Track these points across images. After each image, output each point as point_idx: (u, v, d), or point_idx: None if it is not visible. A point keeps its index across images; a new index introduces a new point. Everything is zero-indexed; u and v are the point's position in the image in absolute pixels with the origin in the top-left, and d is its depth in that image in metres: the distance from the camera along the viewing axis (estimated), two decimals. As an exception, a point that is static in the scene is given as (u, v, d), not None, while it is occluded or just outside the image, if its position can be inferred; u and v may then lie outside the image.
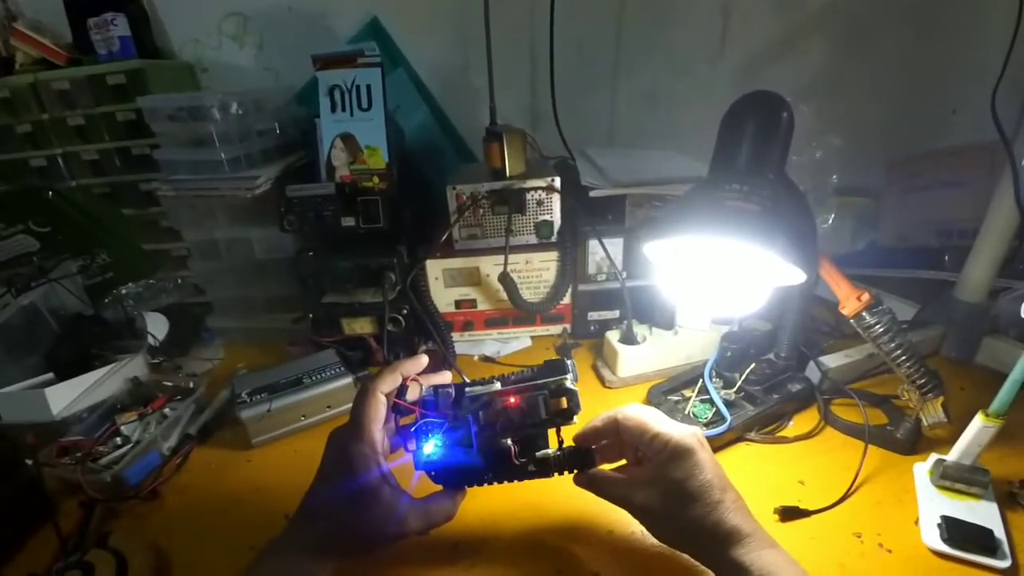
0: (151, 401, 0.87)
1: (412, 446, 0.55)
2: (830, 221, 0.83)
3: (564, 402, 0.53)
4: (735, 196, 0.53)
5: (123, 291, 1.07)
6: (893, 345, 0.66)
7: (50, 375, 0.88)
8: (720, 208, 0.53)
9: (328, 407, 0.84)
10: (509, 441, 0.53)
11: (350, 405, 0.82)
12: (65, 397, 0.83)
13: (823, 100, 1.22)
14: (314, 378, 0.84)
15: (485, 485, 0.55)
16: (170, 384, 0.90)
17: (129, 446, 0.79)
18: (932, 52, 1.22)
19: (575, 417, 0.53)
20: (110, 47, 1.06)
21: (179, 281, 1.12)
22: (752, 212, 0.52)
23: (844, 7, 1.19)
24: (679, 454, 0.49)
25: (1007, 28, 0.83)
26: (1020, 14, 0.81)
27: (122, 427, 0.81)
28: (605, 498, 0.54)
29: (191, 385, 0.89)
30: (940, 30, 1.20)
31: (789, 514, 0.62)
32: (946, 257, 1.08)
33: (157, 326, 1.02)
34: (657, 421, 0.52)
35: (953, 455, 0.63)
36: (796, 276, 0.55)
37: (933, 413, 0.67)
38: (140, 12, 1.12)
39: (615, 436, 0.55)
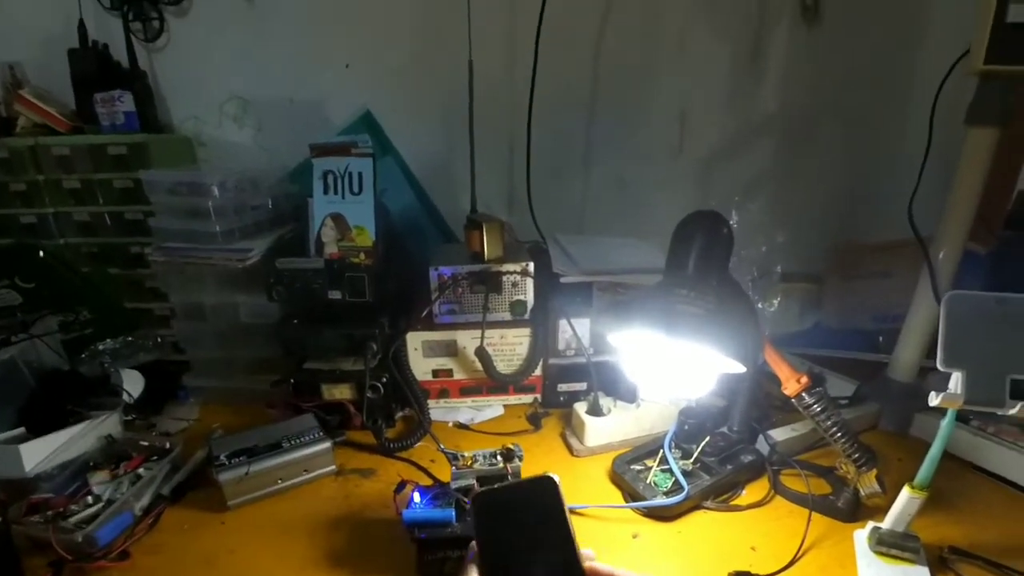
0: (124, 459, 0.88)
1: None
2: (776, 304, 0.92)
3: None
4: (683, 300, 0.64)
5: (100, 347, 1.07)
6: (830, 423, 0.75)
7: (21, 430, 0.88)
8: (671, 311, 0.64)
9: (305, 471, 0.86)
10: None
11: (327, 468, 0.86)
12: (39, 453, 0.83)
13: (771, 196, 1.38)
14: (293, 442, 0.87)
15: None
16: (145, 444, 0.90)
17: (100, 505, 0.79)
18: (865, 154, 1.38)
19: None
20: (114, 120, 1.12)
21: (158, 339, 1.13)
22: (697, 315, 0.62)
23: (786, 114, 1.35)
24: None
25: (922, 142, 0.95)
26: (930, 136, 0.95)
27: (94, 486, 0.82)
28: None
29: (167, 446, 0.89)
30: (871, 136, 1.36)
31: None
32: (880, 338, 1.19)
33: (133, 383, 1.02)
34: None
35: (887, 523, 0.69)
36: (737, 367, 0.64)
37: (869, 485, 0.74)
38: (145, 89, 1.19)
39: None
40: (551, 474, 0.47)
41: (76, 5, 1.17)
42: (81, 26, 1.16)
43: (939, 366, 0.62)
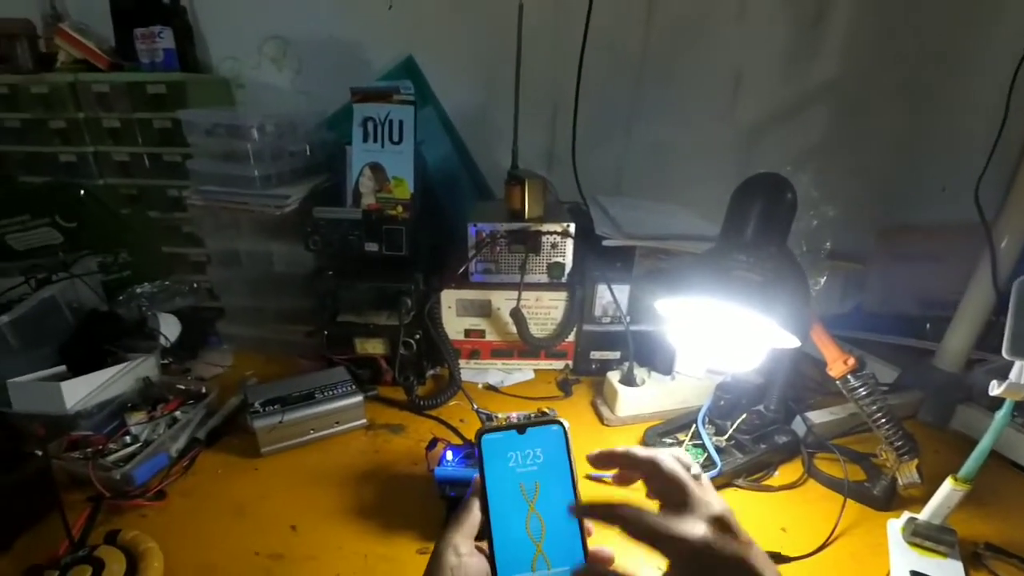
0: (160, 401, 0.90)
1: None
2: (821, 283, 0.89)
3: None
4: (741, 266, 0.60)
5: (138, 290, 1.09)
6: (874, 408, 0.72)
7: (62, 368, 0.90)
8: (727, 276, 0.60)
9: (336, 423, 0.87)
10: None
11: (358, 422, 0.87)
12: (79, 391, 0.85)
13: (821, 168, 1.32)
14: (326, 394, 0.87)
15: None
16: (182, 387, 0.92)
17: (138, 445, 0.81)
18: (926, 131, 1.31)
19: None
20: (153, 57, 1.11)
21: (194, 285, 1.14)
22: (755, 282, 0.59)
23: (845, 84, 1.28)
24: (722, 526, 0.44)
25: (995, 121, 0.90)
26: (1005, 116, 0.89)
27: (131, 427, 0.84)
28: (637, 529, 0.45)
29: (203, 390, 0.91)
30: (934, 109, 1.29)
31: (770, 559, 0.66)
32: (927, 326, 1.15)
33: (169, 327, 1.04)
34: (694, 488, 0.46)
35: (924, 514, 0.68)
36: (790, 341, 0.61)
37: (908, 474, 0.72)
38: (184, 26, 1.17)
39: (634, 471, 0.50)
40: (561, 419, 0.49)
41: (116, -68, 1.14)
42: (120, -43, 1.14)
43: (1004, 354, 0.60)
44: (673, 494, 0.45)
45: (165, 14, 1.14)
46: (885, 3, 1.21)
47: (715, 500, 0.45)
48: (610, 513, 0.44)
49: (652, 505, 0.46)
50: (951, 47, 1.23)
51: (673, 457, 0.48)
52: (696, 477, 0.46)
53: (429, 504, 0.72)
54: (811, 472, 0.81)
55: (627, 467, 0.49)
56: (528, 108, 1.12)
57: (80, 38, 1.14)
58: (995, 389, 0.60)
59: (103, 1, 1.16)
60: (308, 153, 1.10)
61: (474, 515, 0.46)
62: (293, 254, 1.02)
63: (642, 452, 0.48)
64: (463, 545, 0.44)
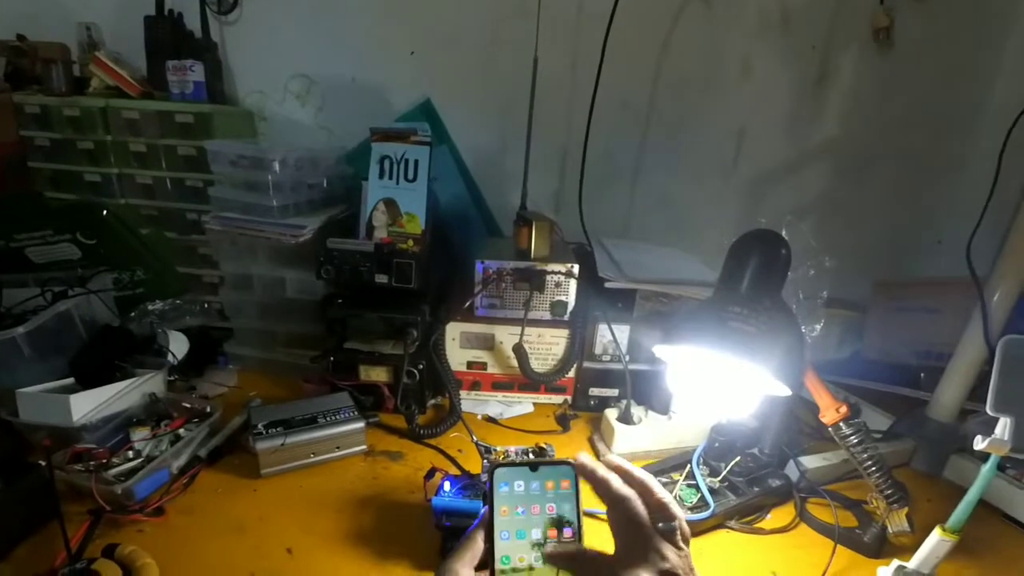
0: (165, 417, 0.91)
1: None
2: (817, 330, 0.91)
3: None
4: (736, 318, 0.63)
5: (150, 307, 1.11)
6: (865, 456, 0.74)
7: (71, 380, 0.91)
8: (723, 327, 0.63)
9: (337, 448, 0.88)
10: None
11: (358, 448, 0.88)
12: (87, 404, 0.85)
13: (820, 220, 1.37)
14: (328, 418, 0.88)
15: None
16: (187, 405, 0.93)
17: (140, 460, 0.82)
18: (922, 188, 1.37)
19: None
20: (183, 89, 1.16)
21: (205, 305, 1.16)
22: (750, 333, 0.62)
23: (844, 142, 1.35)
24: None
25: (987, 181, 0.93)
26: (996, 177, 0.93)
27: (135, 442, 0.84)
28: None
29: (207, 409, 0.92)
30: (929, 171, 1.35)
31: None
32: (922, 375, 1.16)
33: (178, 345, 1.05)
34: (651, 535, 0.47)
35: (913, 563, 0.68)
36: (782, 390, 0.64)
37: (898, 522, 0.73)
38: (215, 61, 1.23)
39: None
40: (571, 460, 0.50)
41: (154, -27, 1.20)
42: (159, -7, 1.20)
43: (988, 410, 0.62)
44: (631, 532, 0.47)
45: (197, 49, 1.21)
46: (882, 69, 1.28)
47: (671, 554, 0.45)
48: (569, 560, 0.47)
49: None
50: (945, 111, 1.30)
51: (658, 496, 0.49)
52: (670, 531, 0.47)
53: (425, 533, 0.73)
54: (803, 517, 0.82)
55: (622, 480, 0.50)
56: (539, 152, 1.18)
57: (114, 67, 1.19)
58: (979, 444, 0.62)
59: (138, 31, 1.22)
60: (325, 185, 1.14)
61: (477, 545, 0.48)
62: (305, 281, 1.05)
63: (638, 473, 0.50)
64: (463, 573, 0.46)
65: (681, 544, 0.47)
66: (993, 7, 1.25)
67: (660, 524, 0.47)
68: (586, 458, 0.51)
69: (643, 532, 0.46)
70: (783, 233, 0.86)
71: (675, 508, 0.49)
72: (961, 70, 1.28)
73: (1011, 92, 1.24)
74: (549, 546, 0.47)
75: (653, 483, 0.50)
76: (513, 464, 0.51)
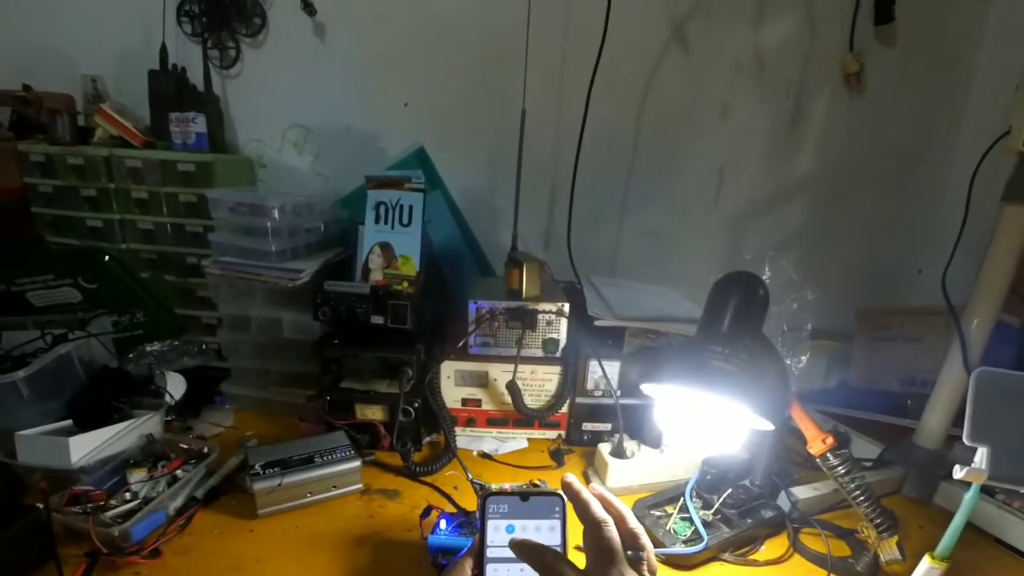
0: (161, 458, 0.91)
1: None
2: (804, 361, 0.94)
3: None
4: (718, 357, 0.67)
5: (148, 348, 1.12)
6: (853, 486, 0.76)
7: (69, 422, 0.92)
8: (705, 367, 0.66)
9: (334, 487, 0.88)
10: None
11: (355, 487, 0.88)
12: (85, 447, 0.86)
13: (802, 252, 1.41)
14: (325, 458, 0.89)
15: None
16: (184, 446, 0.94)
17: (138, 502, 0.82)
18: (899, 220, 1.42)
19: None
20: (186, 139, 1.20)
21: (203, 346, 1.18)
22: (731, 372, 0.65)
23: (822, 178, 1.40)
24: None
25: (958, 216, 0.97)
26: (967, 210, 0.97)
27: (132, 483, 0.85)
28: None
29: (204, 450, 0.93)
30: (905, 205, 1.40)
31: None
32: (909, 402, 1.18)
33: (175, 386, 1.05)
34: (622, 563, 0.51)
35: (905, 591, 0.70)
36: (765, 425, 0.66)
37: (889, 550, 0.74)
38: (217, 113, 1.28)
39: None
40: (560, 492, 0.54)
41: (160, 28, 1.26)
42: (163, 50, 1.25)
43: (965, 440, 0.64)
44: (603, 554, 0.50)
45: (200, 101, 1.25)
46: (854, 110, 1.35)
47: None
48: (539, 558, 0.49)
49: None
50: (916, 149, 1.36)
51: (631, 526, 0.53)
52: (638, 559, 0.51)
53: (421, 571, 0.73)
54: (797, 547, 0.83)
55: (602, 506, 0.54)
56: (528, 194, 1.22)
57: (118, 118, 1.23)
58: (958, 473, 0.64)
59: (142, 84, 1.26)
60: (323, 229, 1.18)
61: (465, 572, 0.50)
62: (302, 322, 1.07)
63: (616, 503, 0.55)
64: None
65: (646, 573, 0.50)
66: (959, 52, 1.33)
67: (630, 552, 0.51)
68: (573, 479, 0.55)
69: (614, 556, 0.49)
70: (766, 267, 0.90)
71: (645, 540, 0.53)
72: (930, 110, 1.35)
73: (977, 129, 1.30)
74: (517, 536, 0.51)
75: (629, 514, 0.54)
76: (504, 493, 0.53)
